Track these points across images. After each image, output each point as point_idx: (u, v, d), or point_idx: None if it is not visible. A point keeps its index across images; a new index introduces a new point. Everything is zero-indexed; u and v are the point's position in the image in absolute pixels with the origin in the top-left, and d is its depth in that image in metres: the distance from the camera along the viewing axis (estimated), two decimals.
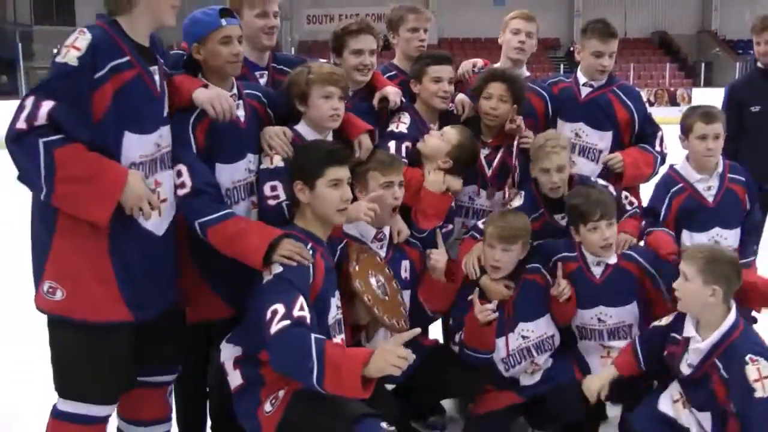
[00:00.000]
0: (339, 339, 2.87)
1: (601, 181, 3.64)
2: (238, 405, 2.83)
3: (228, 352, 2.88)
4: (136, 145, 2.61)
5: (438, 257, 3.34)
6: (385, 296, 3.07)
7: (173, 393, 3.16)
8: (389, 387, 3.31)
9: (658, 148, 3.86)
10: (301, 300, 2.57)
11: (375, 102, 3.59)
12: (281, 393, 2.68)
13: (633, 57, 32.55)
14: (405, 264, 3.37)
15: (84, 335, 2.59)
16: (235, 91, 3.02)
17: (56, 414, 2.68)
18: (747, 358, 2.80)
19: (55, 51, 2.64)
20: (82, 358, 2.62)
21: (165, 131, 2.76)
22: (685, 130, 3.63)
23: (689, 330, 3.02)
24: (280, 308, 2.54)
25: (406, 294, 3.34)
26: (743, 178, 3.70)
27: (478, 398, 3.53)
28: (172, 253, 2.83)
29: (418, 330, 2.58)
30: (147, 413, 2.96)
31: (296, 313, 2.52)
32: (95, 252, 2.56)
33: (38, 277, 2.60)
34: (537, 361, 3.46)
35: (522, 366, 3.46)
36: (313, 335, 2.47)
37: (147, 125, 2.66)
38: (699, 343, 2.96)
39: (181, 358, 3.03)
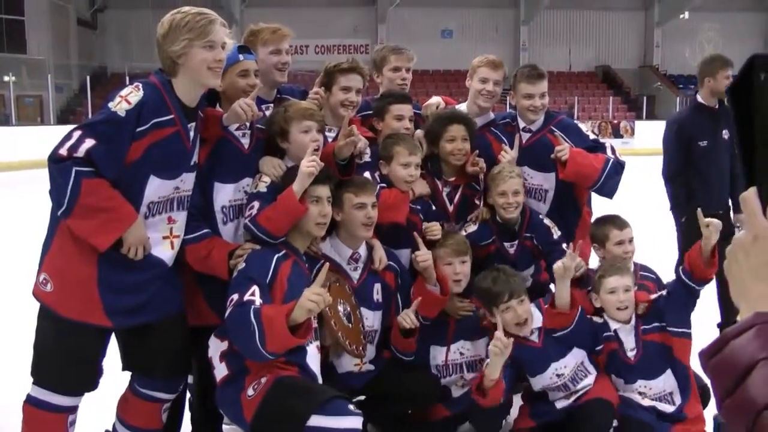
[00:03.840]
0: (314, 345, 3.10)
1: (547, 221, 3.87)
2: (222, 394, 3.09)
3: (215, 347, 3.13)
4: (157, 188, 2.94)
5: (424, 257, 3.50)
6: (349, 323, 3.26)
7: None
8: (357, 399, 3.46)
9: (610, 155, 3.90)
10: (253, 288, 2.91)
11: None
12: (264, 379, 2.92)
13: (577, 90, 33.34)
14: (377, 286, 3.53)
15: (59, 328, 2.91)
16: (246, 122, 3.31)
17: (27, 398, 3.00)
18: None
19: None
20: (53, 349, 2.93)
21: (187, 177, 3.07)
22: (600, 239, 3.83)
23: (614, 324, 3.53)
24: (235, 297, 2.91)
25: (378, 315, 3.53)
26: (653, 276, 3.93)
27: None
28: (175, 275, 3.14)
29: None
30: (138, 421, 3.18)
31: (246, 298, 2.88)
32: (82, 260, 2.86)
33: (39, 268, 2.95)
34: (466, 377, 3.69)
35: (452, 378, 3.69)
36: (252, 306, 2.82)
37: (172, 172, 2.98)
38: (626, 327, 3.51)
39: (179, 380, 3.27)
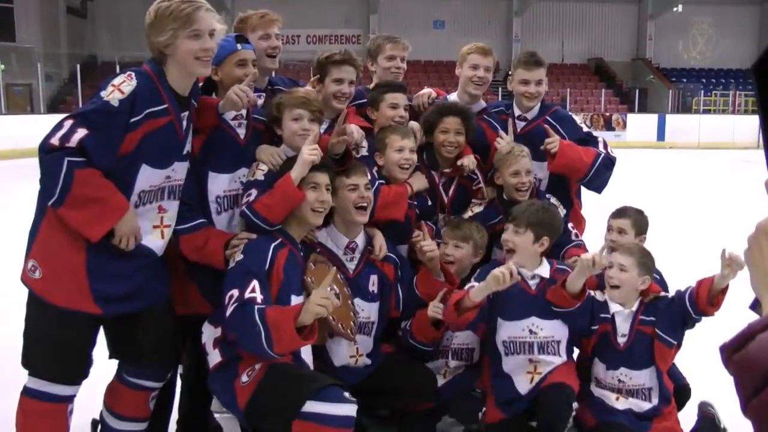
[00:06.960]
0: None
1: (554, 199, 3.86)
2: (215, 381, 3.07)
3: (209, 333, 3.13)
4: (149, 177, 2.91)
5: (430, 247, 3.49)
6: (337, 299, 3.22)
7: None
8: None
9: (602, 149, 3.93)
10: (254, 283, 2.87)
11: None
12: (258, 366, 2.91)
13: (570, 82, 33.31)
14: (373, 278, 3.49)
15: (49, 316, 2.87)
16: (243, 111, 3.30)
17: (23, 390, 2.97)
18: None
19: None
20: (44, 337, 2.91)
21: (179, 166, 3.04)
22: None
23: (614, 307, 3.48)
24: (235, 293, 2.86)
25: (374, 306, 3.47)
26: (658, 277, 3.83)
27: None
28: (164, 264, 3.12)
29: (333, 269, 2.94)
30: (125, 410, 3.18)
31: (247, 295, 2.83)
32: (71, 247, 2.81)
33: (27, 254, 2.90)
34: (450, 363, 3.68)
35: (437, 364, 3.67)
36: (256, 306, 2.78)
37: (164, 162, 2.95)
38: (624, 312, 3.46)
39: (167, 368, 3.25)
